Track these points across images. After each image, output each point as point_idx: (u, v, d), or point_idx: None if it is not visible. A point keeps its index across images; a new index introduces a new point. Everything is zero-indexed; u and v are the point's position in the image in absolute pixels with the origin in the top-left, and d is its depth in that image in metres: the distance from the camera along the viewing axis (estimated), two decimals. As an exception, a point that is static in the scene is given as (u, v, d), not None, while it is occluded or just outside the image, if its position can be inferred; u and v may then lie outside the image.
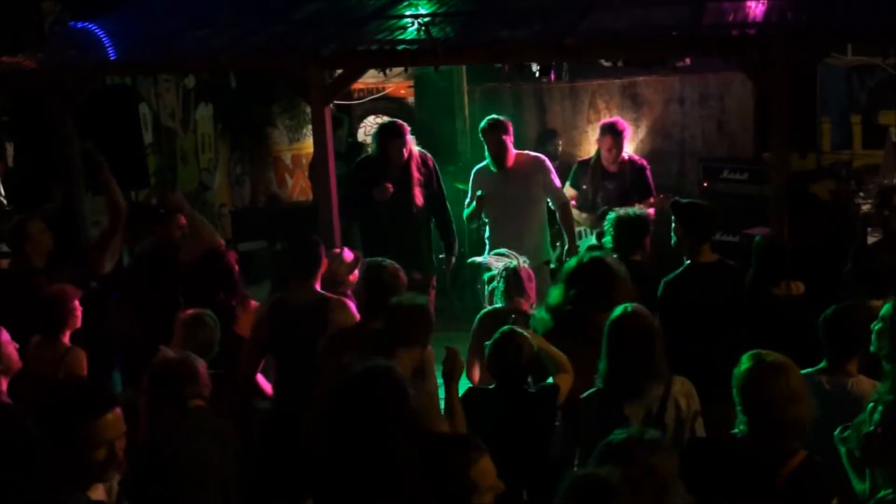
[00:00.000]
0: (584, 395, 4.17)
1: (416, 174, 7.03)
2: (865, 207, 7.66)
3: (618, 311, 4.13)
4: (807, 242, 6.65)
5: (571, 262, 4.95)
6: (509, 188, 6.98)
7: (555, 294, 4.87)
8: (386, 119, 9.89)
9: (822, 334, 4.25)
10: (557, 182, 7.13)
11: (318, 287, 5.39)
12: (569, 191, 7.66)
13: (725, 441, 3.59)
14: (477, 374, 5.51)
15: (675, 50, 6.94)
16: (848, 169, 8.80)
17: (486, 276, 5.84)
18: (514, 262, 5.64)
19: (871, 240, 6.78)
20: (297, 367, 5.09)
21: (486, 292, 5.89)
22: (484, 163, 7.14)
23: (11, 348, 4.53)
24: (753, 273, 5.39)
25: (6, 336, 4.54)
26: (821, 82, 9.00)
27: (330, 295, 5.37)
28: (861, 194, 8.21)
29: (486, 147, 7.07)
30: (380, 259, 5.18)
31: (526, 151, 7.24)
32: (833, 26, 6.16)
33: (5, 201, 8.02)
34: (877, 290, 4.88)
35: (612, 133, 7.49)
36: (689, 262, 5.35)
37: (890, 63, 8.05)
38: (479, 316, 5.64)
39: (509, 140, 7.01)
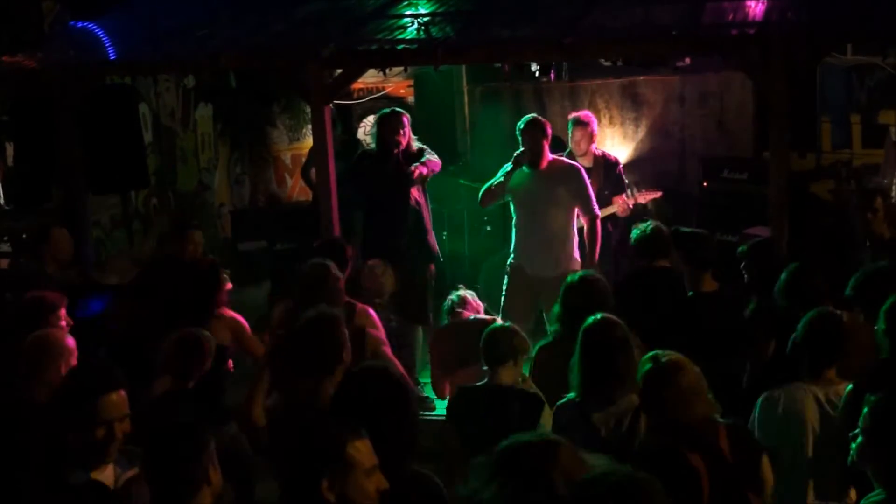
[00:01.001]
0: (560, 402, 4.17)
1: (412, 164, 6.99)
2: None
3: (589, 319, 4.13)
4: (807, 242, 6.65)
5: (570, 278, 4.98)
6: (540, 191, 6.77)
7: (555, 309, 4.91)
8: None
9: (800, 343, 4.19)
10: (591, 194, 6.86)
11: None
12: None
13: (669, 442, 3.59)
14: (447, 388, 5.52)
15: (675, 49, 6.95)
16: (848, 168, 8.80)
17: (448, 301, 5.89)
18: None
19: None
20: None
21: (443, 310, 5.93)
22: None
23: (75, 357, 4.40)
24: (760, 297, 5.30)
25: (72, 342, 4.42)
26: (820, 82, 9.00)
27: (353, 300, 5.38)
28: (861, 193, 8.22)
29: (522, 146, 6.79)
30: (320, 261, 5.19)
31: (562, 158, 7.13)
32: (833, 26, 6.17)
33: (3, 201, 8.02)
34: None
35: (579, 124, 7.53)
36: (690, 291, 5.30)
37: (889, 62, 8.06)
38: (436, 330, 5.71)
39: (546, 142, 6.81)
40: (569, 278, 5.00)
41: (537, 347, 4.91)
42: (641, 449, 3.72)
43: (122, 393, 3.25)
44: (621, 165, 7.78)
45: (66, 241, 6.18)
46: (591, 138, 7.56)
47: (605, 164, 7.57)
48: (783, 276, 4.83)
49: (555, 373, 4.46)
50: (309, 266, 5.19)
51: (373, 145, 7.13)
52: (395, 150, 6.90)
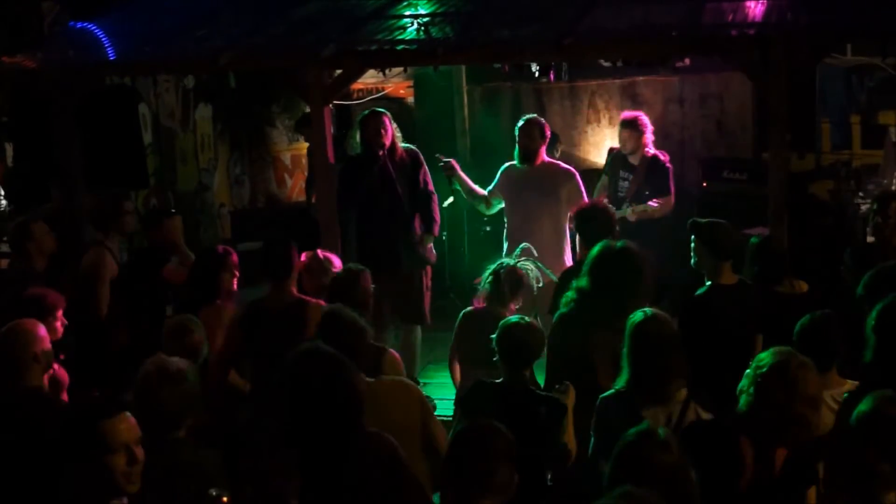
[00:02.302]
0: (604, 395, 4.13)
1: (400, 166, 6.98)
2: (865, 207, 7.66)
3: (638, 315, 4.09)
4: (806, 242, 6.66)
5: (595, 250, 4.91)
6: (532, 192, 6.83)
7: (582, 281, 4.84)
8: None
9: (798, 345, 4.17)
10: (585, 199, 6.89)
11: (294, 289, 5.36)
12: (604, 178, 7.71)
13: (725, 423, 3.61)
14: (458, 373, 5.57)
15: (675, 50, 6.94)
16: (847, 169, 8.81)
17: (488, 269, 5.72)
18: (530, 268, 5.64)
19: (870, 239, 6.78)
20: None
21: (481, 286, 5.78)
22: (514, 161, 7.01)
23: (48, 343, 4.45)
24: (756, 275, 5.36)
25: (44, 331, 4.46)
26: (820, 82, 9.01)
27: (308, 298, 5.32)
28: (860, 194, 8.23)
29: (517, 144, 6.92)
30: (349, 269, 5.18)
31: (558, 161, 7.11)
32: (833, 26, 6.17)
33: (5, 202, 8.02)
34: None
35: (625, 126, 7.51)
36: (709, 282, 5.23)
37: (889, 63, 8.08)
38: (460, 315, 5.68)
39: (542, 142, 6.89)
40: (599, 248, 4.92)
41: (557, 315, 4.89)
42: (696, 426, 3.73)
43: (130, 417, 3.18)
44: (671, 170, 7.60)
45: (47, 234, 6.21)
46: (639, 139, 7.45)
47: (649, 165, 7.44)
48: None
49: (572, 342, 4.57)
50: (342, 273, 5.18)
51: (356, 136, 7.10)
52: (381, 153, 6.87)
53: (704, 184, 8.77)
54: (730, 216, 7.79)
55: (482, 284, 5.62)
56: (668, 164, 7.59)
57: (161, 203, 9.17)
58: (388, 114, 7.03)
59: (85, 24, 7.47)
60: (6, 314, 4.84)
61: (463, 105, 9.90)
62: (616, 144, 8.09)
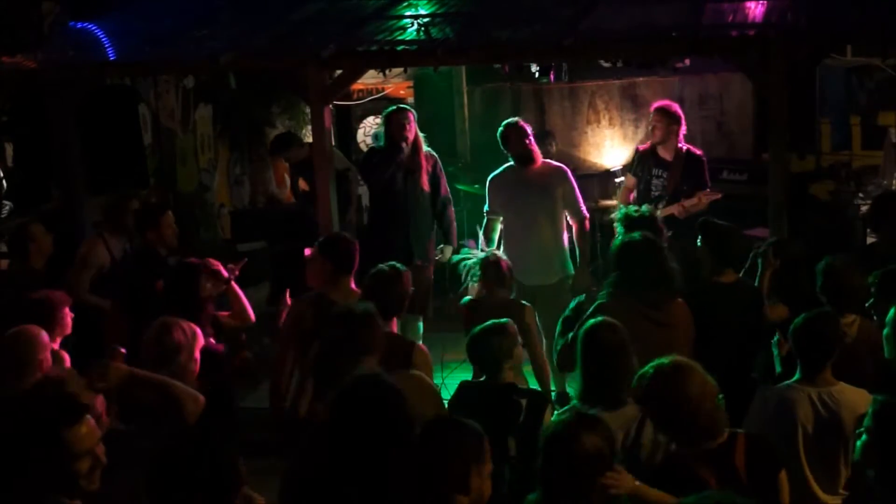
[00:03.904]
0: (558, 412, 4.08)
1: (423, 161, 7.02)
2: (865, 208, 7.66)
3: (589, 322, 4.12)
4: (806, 243, 6.64)
5: (617, 241, 4.96)
6: (526, 193, 6.73)
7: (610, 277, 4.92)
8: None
9: (793, 345, 4.19)
10: (579, 196, 6.85)
11: (353, 285, 5.41)
12: (628, 178, 7.48)
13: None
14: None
15: (675, 50, 6.94)
16: (847, 170, 8.83)
17: (463, 265, 5.89)
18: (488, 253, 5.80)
19: (870, 240, 6.78)
20: None
21: (467, 282, 5.90)
22: (499, 170, 6.92)
23: (48, 353, 4.43)
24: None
25: (46, 338, 4.46)
26: (820, 83, 9.02)
27: None
28: (860, 195, 8.24)
29: (509, 151, 6.79)
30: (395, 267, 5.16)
31: (548, 160, 7.08)
32: (833, 27, 6.17)
33: (10, 203, 8.01)
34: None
35: (657, 112, 7.23)
36: (709, 280, 5.18)
37: (889, 63, 8.08)
38: (466, 305, 5.73)
39: (532, 142, 6.80)
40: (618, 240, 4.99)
41: (591, 309, 4.83)
42: (650, 462, 3.71)
43: (91, 420, 3.17)
44: (706, 162, 7.30)
45: (45, 234, 6.25)
46: (668, 127, 7.14)
47: (685, 160, 7.14)
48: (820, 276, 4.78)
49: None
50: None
51: (381, 130, 7.13)
52: (404, 144, 6.92)
53: (704, 184, 8.76)
54: (729, 217, 7.83)
55: (472, 276, 5.76)
56: (702, 157, 7.39)
57: (161, 203, 9.17)
58: (413, 111, 7.08)
59: (85, 24, 7.48)
60: (10, 314, 4.85)
61: (463, 105, 9.91)
62: (641, 146, 7.92)
